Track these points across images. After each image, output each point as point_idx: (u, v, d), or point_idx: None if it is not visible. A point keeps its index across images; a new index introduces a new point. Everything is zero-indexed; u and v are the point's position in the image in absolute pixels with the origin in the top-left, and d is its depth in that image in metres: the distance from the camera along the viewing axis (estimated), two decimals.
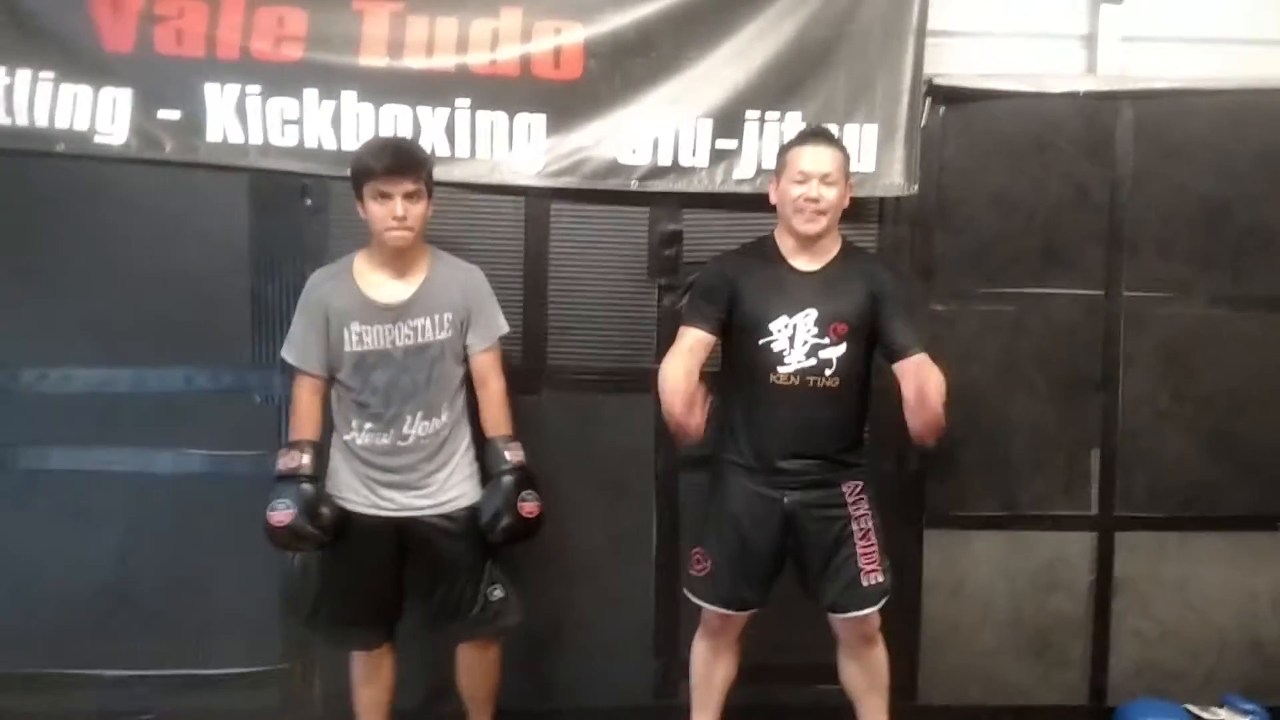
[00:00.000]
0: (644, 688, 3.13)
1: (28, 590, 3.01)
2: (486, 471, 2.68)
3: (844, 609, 2.64)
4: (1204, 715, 3.04)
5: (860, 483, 2.63)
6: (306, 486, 2.57)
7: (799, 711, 3.09)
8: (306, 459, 2.59)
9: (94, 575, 3.01)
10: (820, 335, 2.55)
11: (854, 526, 2.61)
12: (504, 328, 2.72)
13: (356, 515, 2.63)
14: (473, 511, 2.65)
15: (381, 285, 2.62)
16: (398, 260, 2.61)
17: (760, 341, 2.56)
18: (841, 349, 2.55)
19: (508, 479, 2.63)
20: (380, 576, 2.67)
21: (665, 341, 2.98)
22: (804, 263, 2.60)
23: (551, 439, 2.95)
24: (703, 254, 2.93)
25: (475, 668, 2.79)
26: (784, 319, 2.56)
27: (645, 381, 3.00)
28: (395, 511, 2.63)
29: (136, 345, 2.97)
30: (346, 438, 2.65)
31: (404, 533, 2.65)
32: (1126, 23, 3.08)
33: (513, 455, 2.65)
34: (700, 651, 2.77)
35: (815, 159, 2.55)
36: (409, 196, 2.53)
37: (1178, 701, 3.09)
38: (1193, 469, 3.12)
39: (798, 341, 2.56)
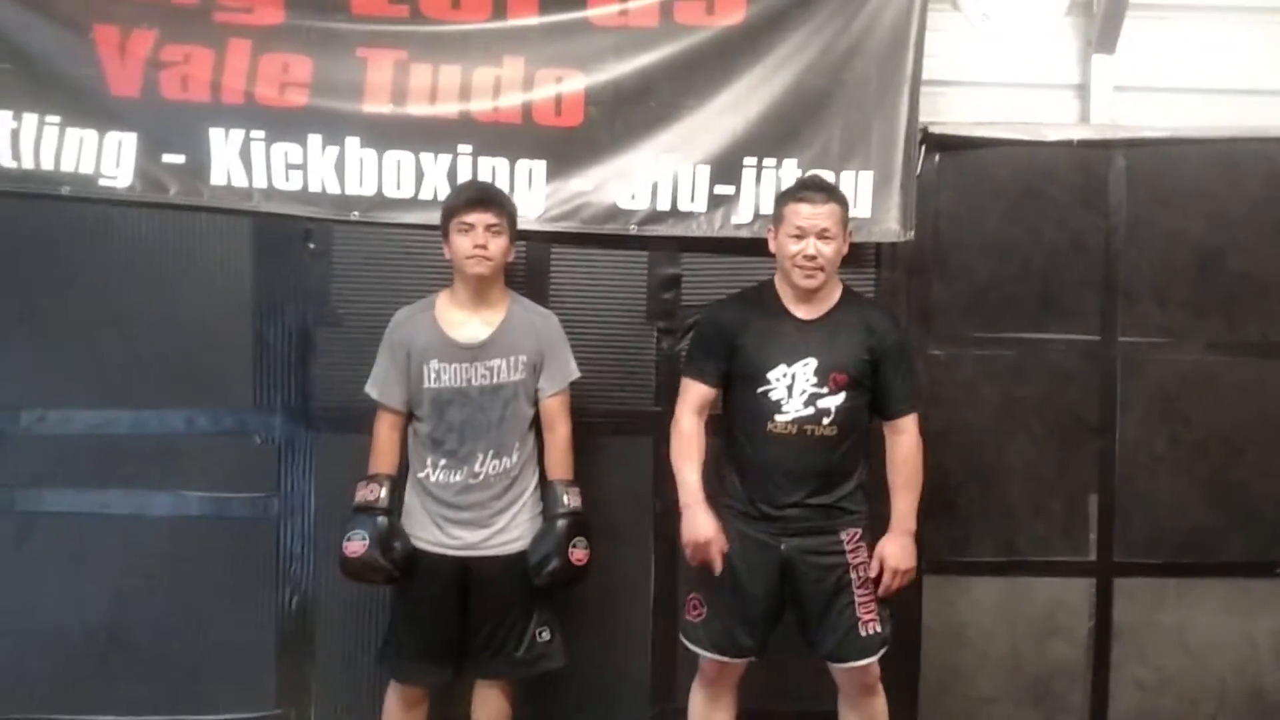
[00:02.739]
0: None
1: (23, 634, 2.99)
2: (545, 513, 2.71)
3: (842, 659, 2.62)
4: None
5: (859, 530, 2.62)
6: (381, 520, 2.63)
7: None
8: (384, 492, 2.66)
9: (90, 618, 3.00)
10: (820, 385, 2.56)
11: (853, 575, 2.59)
12: (575, 373, 2.77)
13: (426, 553, 2.68)
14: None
15: (461, 324, 2.69)
16: (477, 300, 2.68)
17: (759, 390, 2.57)
18: (840, 398, 2.56)
19: (561, 523, 2.67)
20: (446, 613, 2.70)
21: (664, 384, 3.02)
22: (804, 311, 2.61)
23: None
24: (701, 298, 2.96)
25: (493, 707, 2.79)
26: (783, 368, 2.56)
27: (644, 424, 3.03)
28: (462, 551, 2.68)
29: (137, 387, 2.98)
30: (420, 475, 2.70)
31: (468, 571, 2.69)
32: (1119, 73, 3.13)
33: (571, 500, 2.70)
34: (698, 702, 2.73)
35: (812, 214, 2.54)
36: (490, 229, 2.63)
37: None
38: (1191, 515, 3.12)
39: (796, 390, 2.56)
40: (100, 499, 2.98)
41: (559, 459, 2.73)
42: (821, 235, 2.53)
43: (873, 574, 2.59)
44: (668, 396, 3.01)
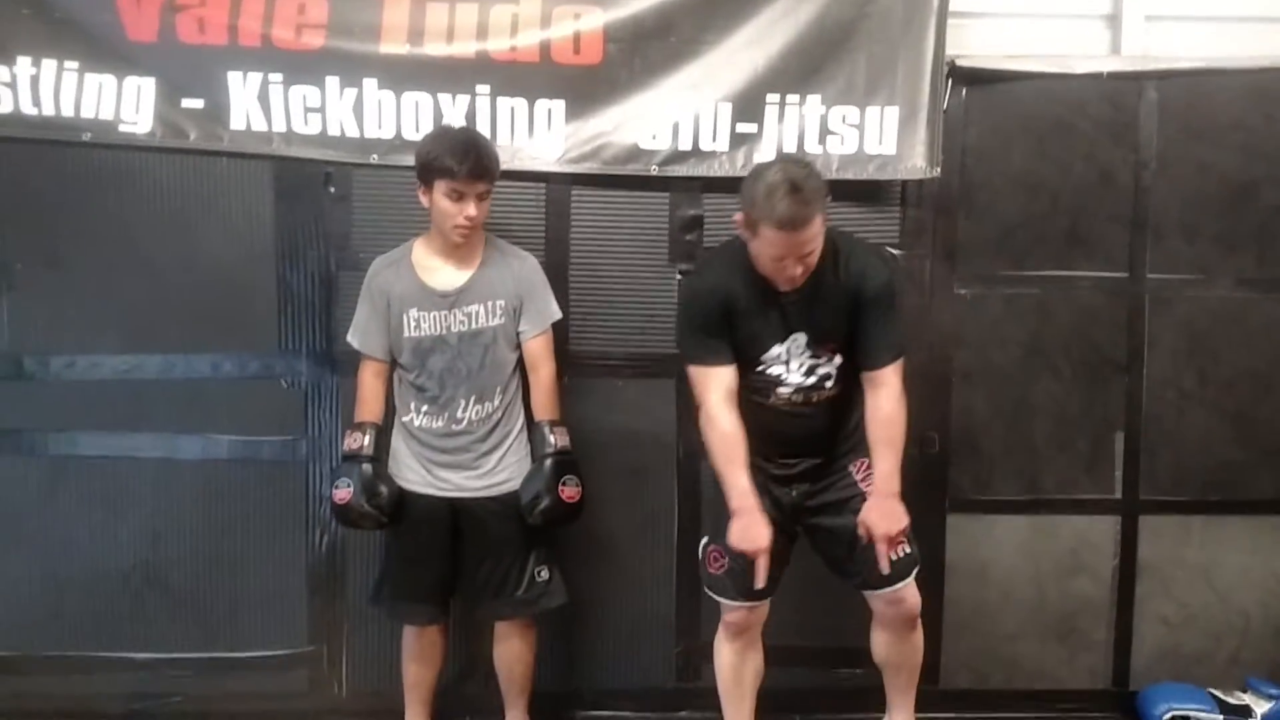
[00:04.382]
0: (666, 670, 3.15)
1: (58, 574, 3.06)
2: (534, 454, 2.73)
3: (877, 586, 2.55)
4: (1227, 699, 3.03)
5: (865, 458, 2.55)
6: (366, 467, 2.66)
7: (817, 694, 3.10)
8: (368, 440, 2.68)
9: (124, 559, 3.06)
10: (815, 355, 2.50)
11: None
12: (556, 314, 2.76)
13: (414, 495, 2.71)
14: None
15: (438, 272, 2.68)
16: (456, 248, 2.66)
17: (757, 369, 2.52)
18: (838, 360, 2.51)
19: (549, 462, 2.68)
20: (437, 554, 2.74)
21: None
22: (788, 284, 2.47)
23: (573, 424, 2.93)
24: (724, 238, 2.94)
25: (513, 647, 2.84)
26: (776, 348, 2.50)
27: (666, 366, 3.02)
28: (451, 492, 2.71)
29: (164, 332, 3.00)
30: (405, 420, 2.73)
31: (459, 513, 2.72)
32: (1150, 2, 3.05)
33: (557, 439, 2.71)
34: (726, 655, 2.69)
35: (791, 244, 2.31)
36: (481, 197, 2.59)
37: (1201, 685, 3.07)
38: (1217, 452, 3.10)
39: (794, 364, 2.51)
40: (131, 443, 3.03)
41: (544, 400, 2.73)
42: (803, 256, 2.35)
43: (863, 541, 2.45)
44: None
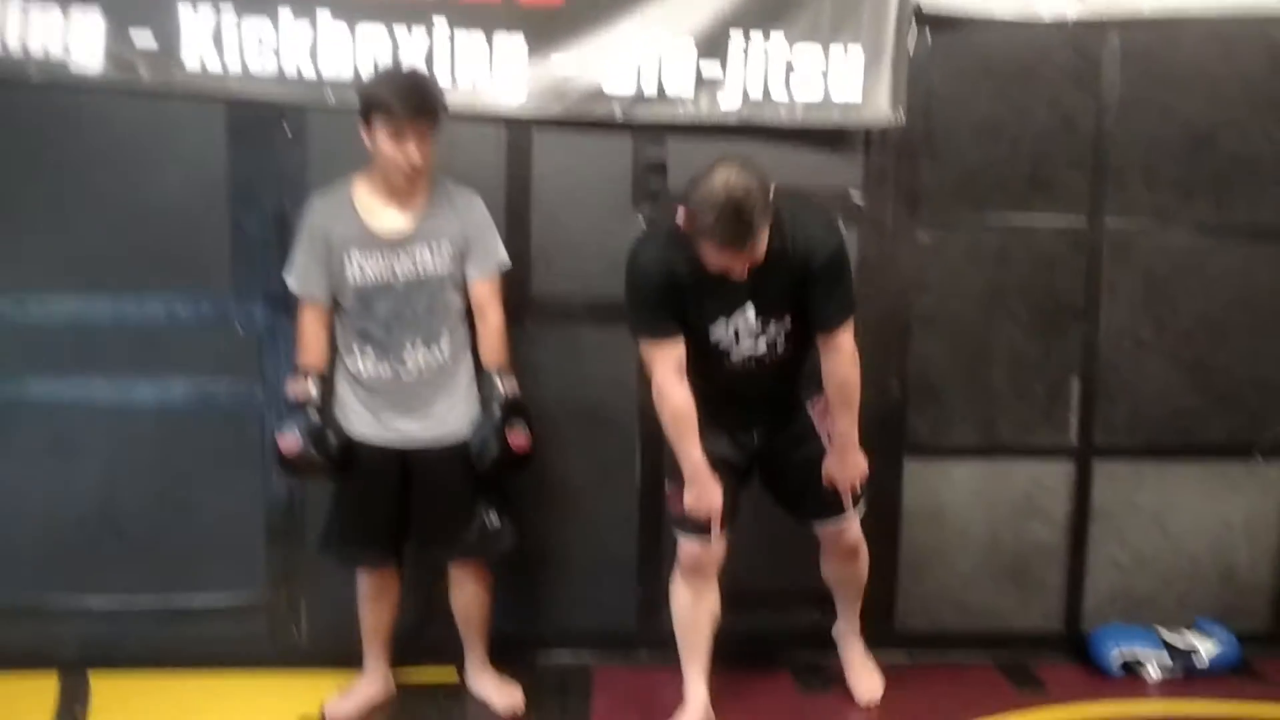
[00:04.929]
0: (626, 613, 3.17)
1: (14, 519, 3.02)
2: (482, 402, 2.70)
3: (824, 519, 2.71)
4: (1176, 639, 3.10)
5: (821, 395, 2.62)
6: (313, 415, 2.61)
7: (778, 636, 3.15)
8: (313, 387, 2.63)
9: (80, 504, 3.02)
10: (763, 326, 2.52)
11: (825, 439, 2.65)
12: (503, 258, 2.71)
13: (363, 444, 2.67)
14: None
15: (382, 213, 2.61)
16: (400, 190, 2.59)
17: (708, 340, 2.53)
18: (786, 326, 2.54)
19: (498, 410, 2.65)
20: (386, 500, 2.72)
21: None
22: None
23: (534, 370, 2.94)
24: (686, 182, 2.91)
25: (468, 590, 2.84)
26: (723, 320, 2.51)
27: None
28: (400, 442, 2.68)
29: (115, 274, 2.94)
30: (349, 363, 2.68)
31: (408, 460, 2.70)
32: None
33: (506, 386, 2.67)
34: (682, 595, 2.74)
35: (735, 257, 2.32)
36: (422, 136, 2.52)
37: (1150, 626, 3.14)
38: (1172, 399, 3.14)
39: (743, 334, 2.52)
40: (84, 388, 2.98)
41: (492, 346, 2.69)
42: (747, 260, 2.35)
43: (829, 488, 2.64)
44: None
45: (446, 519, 2.74)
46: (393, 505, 2.73)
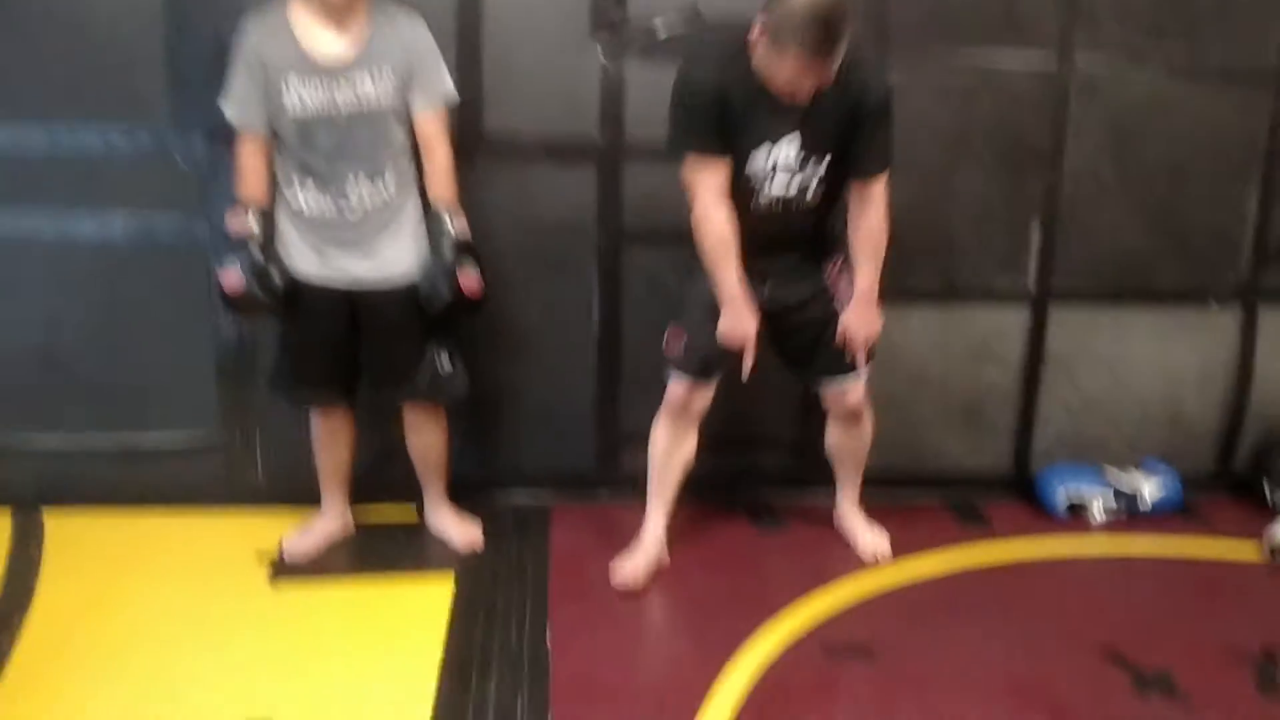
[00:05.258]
0: (586, 458, 3.19)
1: None
2: (431, 242, 2.63)
3: (830, 380, 2.71)
4: (1121, 479, 3.17)
5: (837, 259, 2.64)
6: (255, 251, 2.53)
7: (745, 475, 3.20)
8: (254, 221, 2.54)
9: (22, 341, 2.95)
10: (802, 162, 2.47)
11: (839, 306, 2.63)
12: (450, 91, 2.60)
13: (308, 284, 2.61)
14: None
15: (320, 37, 2.48)
16: (337, 11, 2.46)
17: (743, 172, 2.47)
18: (822, 170, 2.49)
19: (448, 251, 2.58)
20: (334, 341, 2.68)
21: (608, 108, 2.89)
22: None
23: (486, 209, 2.87)
24: (647, 10, 2.80)
25: (423, 432, 2.84)
26: (766, 148, 2.45)
27: (585, 151, 2.92)
28: (346, 282, 2.61)
29: (47, 102, 2.81)
30: (290, 196, 2.58)
31: (356, 302, 2.64)
32: None
33: (455, 226, 2.60)
34: (663, 433, 2.76)
35: (814, 69, 2.27)
36: None
37: (1097, 465, 3.22)
38: (1132, 244, 3.13)
39: (780, 168, 2.47)
40: (21, 221, 2.87)
41: (440, 183, 2.60)
42: (820, 78, 2.30)
43: (839, 341, 2.62)
44: (611, 121, 2.91)
45: (396, 362, 2.71)
46: (341, 347, 2.69)
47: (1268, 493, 3.19)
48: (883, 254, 2.58)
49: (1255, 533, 3.00)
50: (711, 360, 2.65)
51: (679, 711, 2.22)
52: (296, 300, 2.60)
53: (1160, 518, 3.14)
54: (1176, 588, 2.84)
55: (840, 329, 2.62)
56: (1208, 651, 2.48)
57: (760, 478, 3.21)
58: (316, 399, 2.77)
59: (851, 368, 2.68)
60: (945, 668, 2.41)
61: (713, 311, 2.57)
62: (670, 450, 2.77)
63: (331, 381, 2.74)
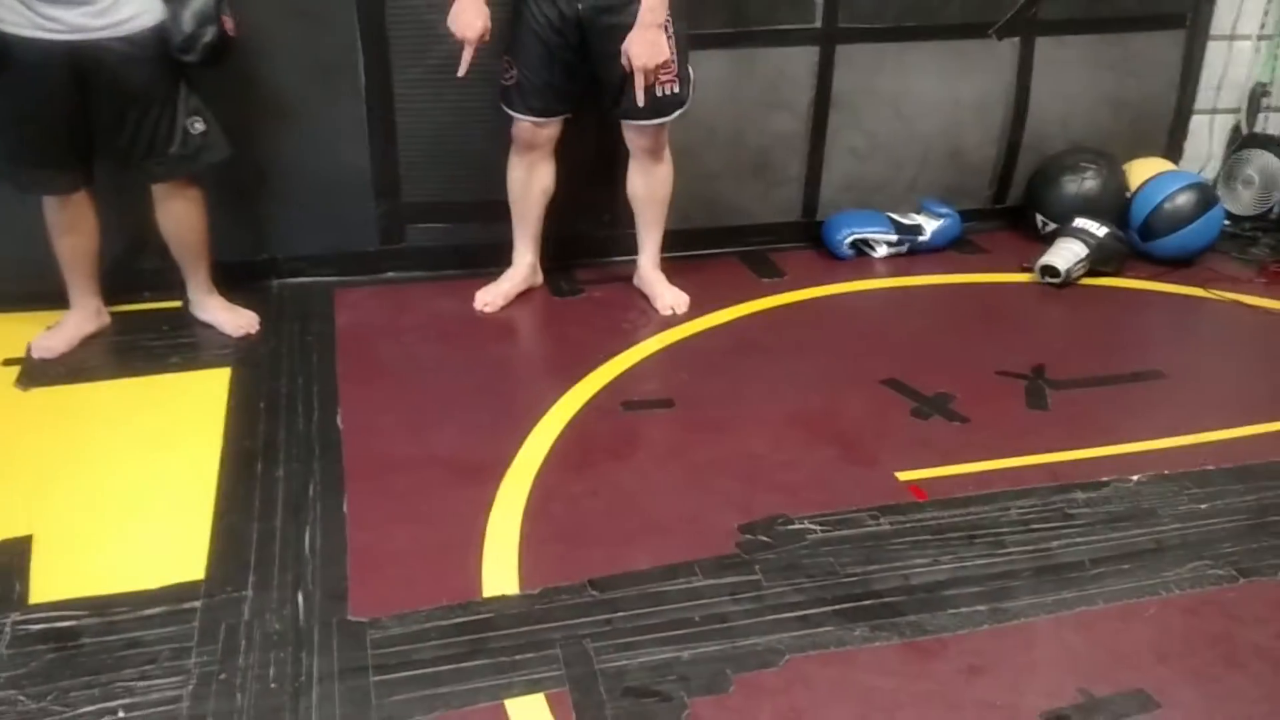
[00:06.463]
0: (368, 233, 3.01)
1: None
2: None
3: (636, 116, 2.66)
4: (902, 220, 3.25)
5: None
6: None
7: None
8: None
9: None
10: None
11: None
12: None
13: (17, 40, 2.25)
14: (159, 32, 2.33)
15: None
16: None
17: None
18: None
19: None
20: (57, 110, 2.36)
21: None
22: None
23: None
24: None
25: (176, 211, 2.58)
26: None
27: None
28: (64, 34, 2.27)
29: None
30: None
31: (79, 59, 2.30)
32: None
33: None
34: (515, 168, 2.78)
35: None
36: None
37: (880, 210, 3.27)
38: None
39: None
40: None
41: None
42: None
43: (625, 69, 2.55)
44: None
45: (142, 128, 2.41)
46: (68, 118, 2.37)
47: (1038, 222, 3.34)
48: None
49: (1028, 259, 3.15)
50: (546, 97, 2.63)
51: (482, 475, 2.18)
52: (5, 64, 2.25)
53: (939, 252, 3.26)
54: (955, 315, 2.98)
55: (623, 52, 2.54)
56: (983, 373, 2.62)
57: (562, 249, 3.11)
58: (47, 185, 2.45)
59: (651, 113, 2.64)
60: (740, 409, 2.46)
61: (541, 42, 2.55)
62: (524, 184, 2.79)
63: (61, 162, 2.42)
